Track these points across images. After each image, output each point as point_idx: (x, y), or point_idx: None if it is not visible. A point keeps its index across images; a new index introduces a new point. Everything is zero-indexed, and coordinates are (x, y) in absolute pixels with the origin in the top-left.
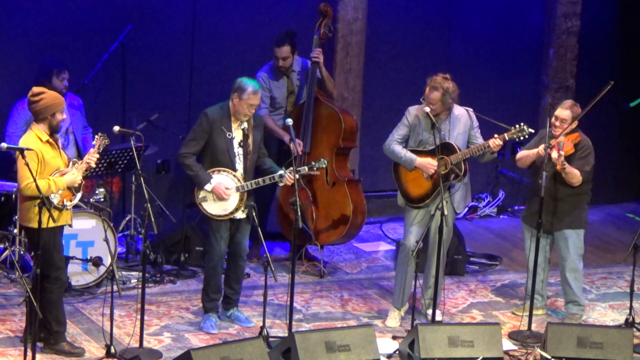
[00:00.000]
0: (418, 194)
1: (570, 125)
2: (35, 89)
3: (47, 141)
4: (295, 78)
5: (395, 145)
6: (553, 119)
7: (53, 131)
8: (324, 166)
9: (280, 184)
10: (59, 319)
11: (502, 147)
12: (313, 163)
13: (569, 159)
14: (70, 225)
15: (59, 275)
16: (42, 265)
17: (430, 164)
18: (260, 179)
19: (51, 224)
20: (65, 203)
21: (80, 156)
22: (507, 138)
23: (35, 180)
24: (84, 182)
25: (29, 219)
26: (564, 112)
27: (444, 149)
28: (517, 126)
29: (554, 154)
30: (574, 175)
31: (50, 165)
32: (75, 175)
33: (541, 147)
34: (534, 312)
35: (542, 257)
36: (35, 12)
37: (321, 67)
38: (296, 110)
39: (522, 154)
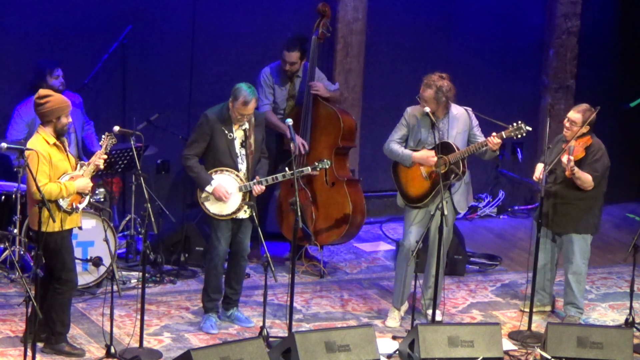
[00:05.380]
0: (417, 193)
1: (581, 130)
2: (42, 92)
3: (54, 144)
4: (298, 83)
5: (393, 145)
6: (565, 120)
7: (58, 134)
8: (327, 167)
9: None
10: (65, 320)
11: (502, 147)
12: (316, 164)
13: (580, 162)
14: (80, 228)
15: (70, 277)
16: (53, 267)
17: (428, 155)
18: (263, 179)
19: (65, 227)
20: (74, 206)
21: (80, 155)
22: (504, 136)
23: (35, 180)
24: (92, 183)
25: (41, 223)
26: (576, 114)
27: (443, 149)
28: (515, 124)
29: (564, 159)
30: (586, 179)
31: (58, 168)
32: (87, 182)
33: (541, 172)
34: (541, 308)
35: (550, 257)
36: (35, 12)
37: (323, 96)
38: (295, 110)
39: (537, 168)
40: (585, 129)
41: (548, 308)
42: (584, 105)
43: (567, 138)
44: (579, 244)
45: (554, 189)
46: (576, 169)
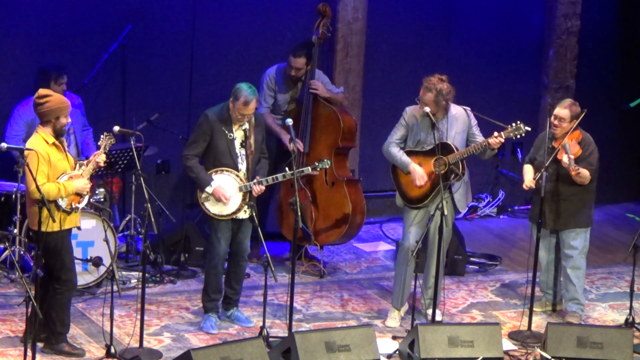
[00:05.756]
0: (416, 194)
1: (570, 125)
2: (42, 91)
3: (53, 143)
4: (300, 86)
5: (392, 147)
6: (552, 118)
7: (57, 135)
8: (327, 167)
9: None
10: (64, 320)
11: (502, 147)
12: (317, 163)
13: (576, 159)
14: (79, 228)
15: (70, 277)
16: (53, 267)
17: (421, 175)
18: (263, 179)
19: (64, 227)
20: (74, 206)
21: (79, 155)
22: (504, 137)
23: (35, 180)
24: (91, 183)
25: (40, 223)
26: (563, 110)
27: (442, 149)
28: (514, 124)
29: (565, 158)
30: (585, 176)
31: (57, 168)
32: (85, 182)
33: (530, 181)
34: (550, 308)
35: (553, 255)
36: (35, 12)
37: (322, 96)
38: (295, 110)
39: (525, 172)
40: (574, 124)
41: (558, 307)
42: (568, 100)
43: (556, 136)
44: (578, 239)
45: (548, 187)
46: (580, 168)
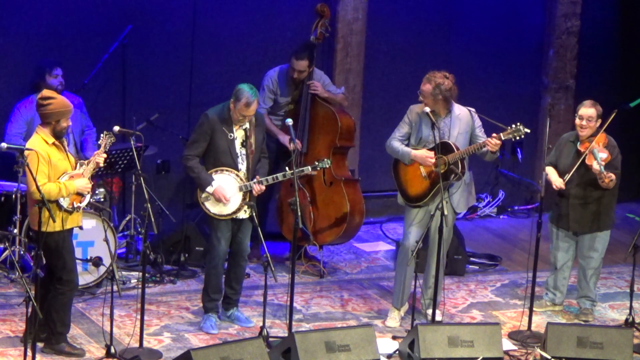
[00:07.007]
0: (416, 193)
1: (596, 124)
2: (46, 93)
3: (53, 143)
4: (301, 89)
5: (394, 142)
6: (578, 120)
7: (56, 137)
8: (328, 166)
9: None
10: (65, 320)
11: (502, 147)
12: (317, 163)
13: (605, 165)
14: (80, 227)
15: (71, 278)
16: (54, 268)
17: (427, 156)
18: (263, 179)
19: (66, 227)
20: (75, 205)
21: (79, 156)
22: (503, 138)
23: (35, 180)
24: (92, 183)
25: (41, 223)
26: (589, 110)
27: (443, 149)
28: (513, 126)
29: (595, 165)
30: (614, 181)
31: (57, 168)
32: (86, 182)
33: (561, 182)
34: (552, 307)
35: (570, 256)
36: (35, 12)
37: (321, 96)
38: (293, 110)
39: (550, 174)
40: (599, 123)
41: (559, 308)
42: (589, 101)
43: (582, 138)
44: (601, 241)
45: (573, 191)
46: (612, 176)
